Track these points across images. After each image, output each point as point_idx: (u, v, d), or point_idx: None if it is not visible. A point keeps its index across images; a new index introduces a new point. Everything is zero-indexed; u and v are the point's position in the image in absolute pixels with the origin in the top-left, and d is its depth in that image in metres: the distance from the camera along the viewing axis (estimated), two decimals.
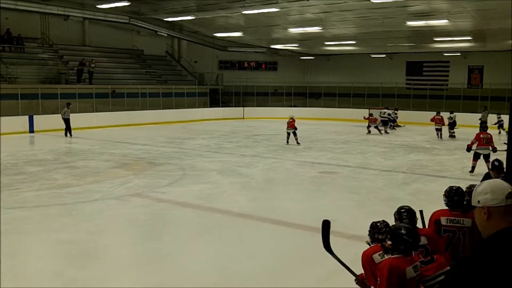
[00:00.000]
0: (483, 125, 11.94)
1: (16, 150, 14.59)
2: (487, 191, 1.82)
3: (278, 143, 16.97)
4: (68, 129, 18.68)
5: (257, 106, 30.61)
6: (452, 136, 18.99)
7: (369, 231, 3.71)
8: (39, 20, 24.05)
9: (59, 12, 20.77)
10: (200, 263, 5.72)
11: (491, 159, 9.43)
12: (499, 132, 19.64)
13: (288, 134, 16.54)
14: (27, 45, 23.56)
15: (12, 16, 22.19)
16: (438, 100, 26.92)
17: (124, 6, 19.73)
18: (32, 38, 24.06)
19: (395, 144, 17.03)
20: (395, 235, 3.16)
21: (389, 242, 3.19)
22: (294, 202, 8.79)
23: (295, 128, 16.34)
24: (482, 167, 10.52)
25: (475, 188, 1.88)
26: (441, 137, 18.52)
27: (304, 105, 31.61)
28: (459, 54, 27.81)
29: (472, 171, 11.01)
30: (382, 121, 22.05)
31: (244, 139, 18.34)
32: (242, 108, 29.81)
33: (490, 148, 10.90)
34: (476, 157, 10.99)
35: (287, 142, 16.51)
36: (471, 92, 27.41)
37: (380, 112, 22.37)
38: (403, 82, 30.22)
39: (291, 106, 31.27)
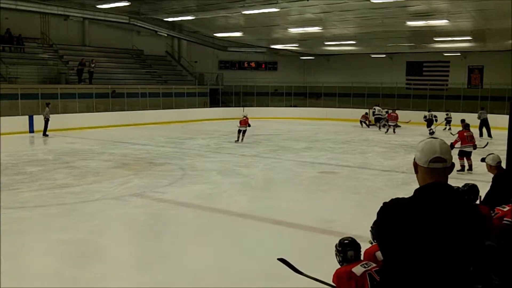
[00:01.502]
0: (464, 123, 12.45)
1: (16, 150, 14.59)
2: (419, 150, 1.98)
3: (278, 143, 16.98)
4: (45, 129, 18.65)
5: (257, 106, 30.60)
6: (430, 133, 19.89)
7: (372, 227, 3.71)
8: (39, 20, 24.05)
9: (59, 12, 20.78)
10: (200, 263, 5.72)
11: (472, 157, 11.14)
12: (445, 128, 21.47)
13: (239, 131, 16.90)
14: (27, 45, 23.57)
15: (12, 16, 22.19)
16: (438, 100, 26.92)
17: (124, 6, 19.74)
18: (32, 38, 24.08)
19: (395, 144, 17.04)
20: (342, 249, 3.47)
21: (341, 255, 3.47)
22: (294, 202, 8.79)
23: (248, 125, 16.96)
24: (481, 166, 10.51)
25: (419, 142, 2.04)
26: (394, 132, 20.83)
27: (304, 105, 31.60)
28: (459, 54, 27.81)
29: (462, 169, 11.16)
30: (375, 118, 23.17)
31: (244, 139, 18.33)
32: (242, 108, 29.76)
33: (472, 146, 11.30)
34: (462, 155, 11.26)
35: (237, 139, 16.86)
36: (471, 92, 27.40)
37: (375, 110, 23.58)
38: (403, 82, 30.22)
39: (291, 106, 31.29)
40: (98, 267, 5.66)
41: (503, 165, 5.57)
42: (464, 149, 11.28)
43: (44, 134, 18.57)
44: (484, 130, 19.86)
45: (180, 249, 6.25)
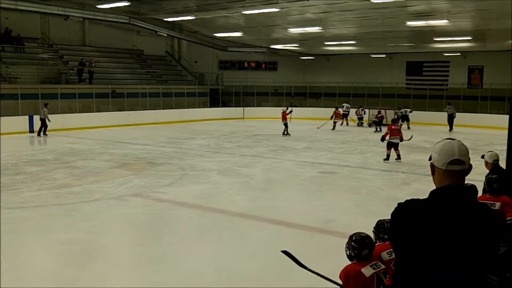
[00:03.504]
0: (394, 119, 14.16)
1: (16, 150, 14.59)
2: (437, 151, 1.95)
3: (278, 143, 16.98)
4: (42, 128, 18.70)
5: (257, 106, 30.60)
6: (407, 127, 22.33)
7: (375, 228, 3.69)
8: (39, 20, 24.04)
9: (59, 12, 20.76)
10: (200, 263, 5.73)
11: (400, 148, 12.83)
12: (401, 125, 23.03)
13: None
14: (27, 45, 23.56)
15: (12, 16, 22.18)
16: (438, 100, 26.90)
17: (124, 6, 19.72)
18: (32, 38, 24.07)
19: None
20: (358, 246, 3.34)
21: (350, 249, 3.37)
22: (294, 202, 8.79)
23: (284, 120, 19.23)
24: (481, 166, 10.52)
25: (436, 142, 2.01)
26: (333, 128, 22.46)
27: (304, 105, 31.60)
28: (459, 54, 27.79)
29: (387, 159, 12.74)
30: (343, 114, 24.77)
31: (244, 139, 18.34)
32: (242, 108, 29.79)
33: (399, 138, 12.74)
34: (390, 146, 12.76)
35: (283, 133, 19.19)
36: (471, 92, 27.38)
37: (344, 106, 25.27)
38: (403, 82, 30.20)
39: (291, 106, 31.24)
40: (98, 267, 5.66)
41: (503, 165, 5.57)
42: (392, 140, 12.72)
43: (44, 134, 18.63)
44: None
45: (180, 249, 6.25)
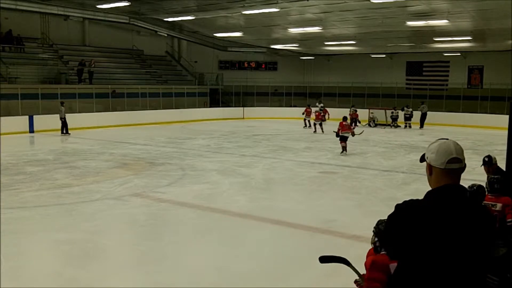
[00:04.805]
0: (345, 117, 15.29)
1: (16, 150, 14.59)
2: (434, 151, 1.96)
3: (278, 143, 16.98)
4: (64, 128, 19.07)
5: (257, 106, 30.59)
6: (409, 126, 23.35)
7: (375, 228, 3.68)
8: (39, 20, 24.07)
9: (59, 12, 20.76)
10: (200, 263, 5.73)
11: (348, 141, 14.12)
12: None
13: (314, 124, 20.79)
14: (27, 45, 23.58)
15: (12, 16, 22.19)
16: (438, 100, 26.91)
17: (124, 6, 19.72)
18: (32, 38, 24.08)
19: (395, 144, 17.03)
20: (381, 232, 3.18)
21: (376, 239, 3.21)
22: (294, 202, 8.79)
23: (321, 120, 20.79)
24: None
25: (430, 143, 2.03)
26: (309, 126, 22.60)
27: (304, 105, 31.54)
28: (459, 54, 27.78)
29: (343, 151, 14.00)
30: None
31: (244, 139, 18.34)
32: (242, 108, 29.79)
33: (350, 132, 14.13)
34: (342, 139, 14.06)
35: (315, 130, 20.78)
36: (471, 92, 27.36)
37: (320, 107, 25.67)
38: (403, 82, 30.19)
39: (291, 106, 31.28)
40: (98, 267, 5.66)
41: (503, 165, 5.58)
42: (343, 134, 14.04)
43: (67, 133, 18.94)
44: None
45: (180, 249, 6.26)
